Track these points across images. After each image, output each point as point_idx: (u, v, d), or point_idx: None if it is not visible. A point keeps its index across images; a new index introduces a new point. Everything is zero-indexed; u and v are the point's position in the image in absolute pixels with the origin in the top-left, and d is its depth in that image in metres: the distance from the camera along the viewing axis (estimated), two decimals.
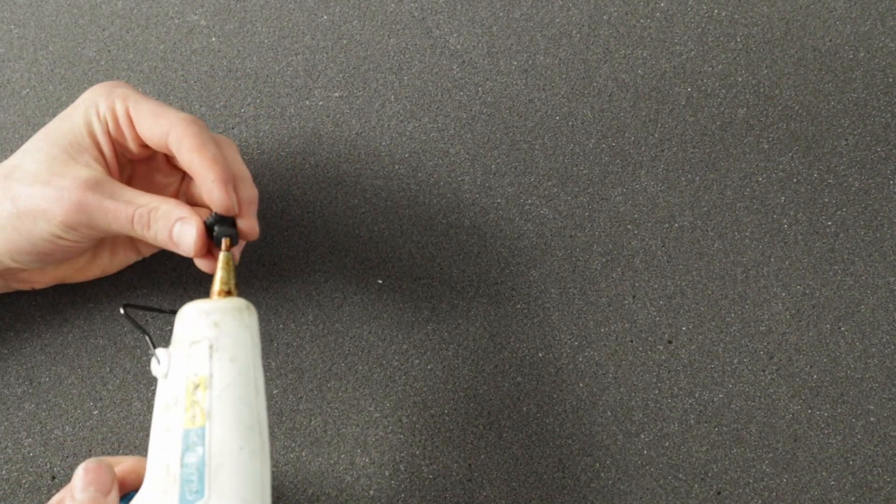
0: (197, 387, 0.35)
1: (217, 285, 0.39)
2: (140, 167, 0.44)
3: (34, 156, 0.39)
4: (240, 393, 0.35)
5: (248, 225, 0.41)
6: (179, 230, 0.39)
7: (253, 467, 0.34)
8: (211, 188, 0.39)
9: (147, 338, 0.38)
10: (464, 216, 0.49)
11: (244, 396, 0.35)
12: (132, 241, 0.45)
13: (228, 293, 0.39)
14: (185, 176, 0.44)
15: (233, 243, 0.40)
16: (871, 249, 0.49)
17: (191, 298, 0.38)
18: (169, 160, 0.44)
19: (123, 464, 0.38)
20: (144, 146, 0.41)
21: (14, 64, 0.51)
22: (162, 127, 0.39)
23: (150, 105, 0.40)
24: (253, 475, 0.34)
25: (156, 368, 0.36)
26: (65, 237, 0.39)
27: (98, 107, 0.40)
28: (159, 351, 0.36)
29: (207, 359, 0.35)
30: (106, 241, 0.44)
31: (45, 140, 0.39)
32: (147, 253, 0.45)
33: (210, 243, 0.40)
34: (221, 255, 0.39)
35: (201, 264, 0.41)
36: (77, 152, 0.39)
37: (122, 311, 0.38)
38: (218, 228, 0.39)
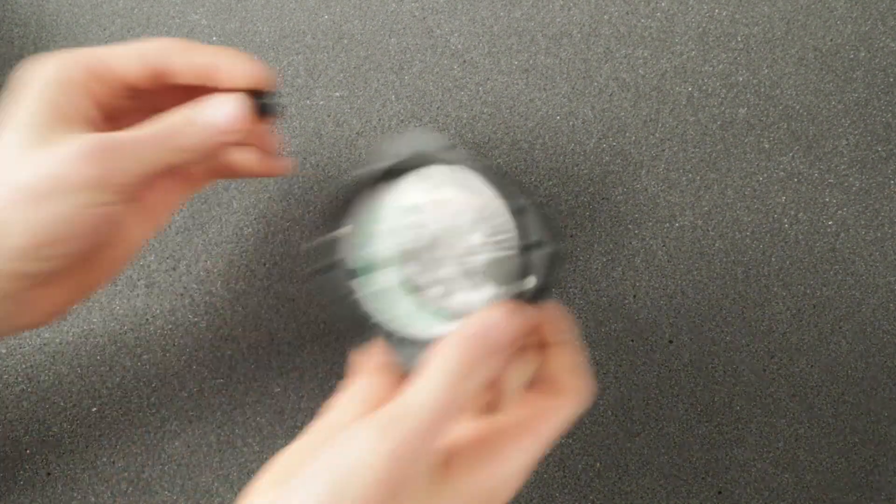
0: None
1: None
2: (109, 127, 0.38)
3: (16, 145, 0.33)
4: None
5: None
6: (212, 110, 0.34)
7: None
8: (236, 63, 0.35)
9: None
10: None
11: None
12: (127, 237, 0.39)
13: None
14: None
15: (272, 112, 0.37)
16: (871, 249, 0.49)
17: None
18: (144, 110, 0.38)
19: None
20: (120, 95, 0.36)
21: (15, 63, 0.51)
22: (140, 54, 0.35)
23: (116, 47, 0.35)
24: None
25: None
26: (99, 201, 0.33)
27: (60, 72, 0.34)
28: None
29: None
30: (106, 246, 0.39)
31: (15, 125, 0.33)
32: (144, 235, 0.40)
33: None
34: None
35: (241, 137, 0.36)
36: (60, 124, 0.33)
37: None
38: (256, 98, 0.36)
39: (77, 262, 0.35)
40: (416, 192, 0.35)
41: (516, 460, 0.32)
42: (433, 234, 0.34)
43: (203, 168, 0.41)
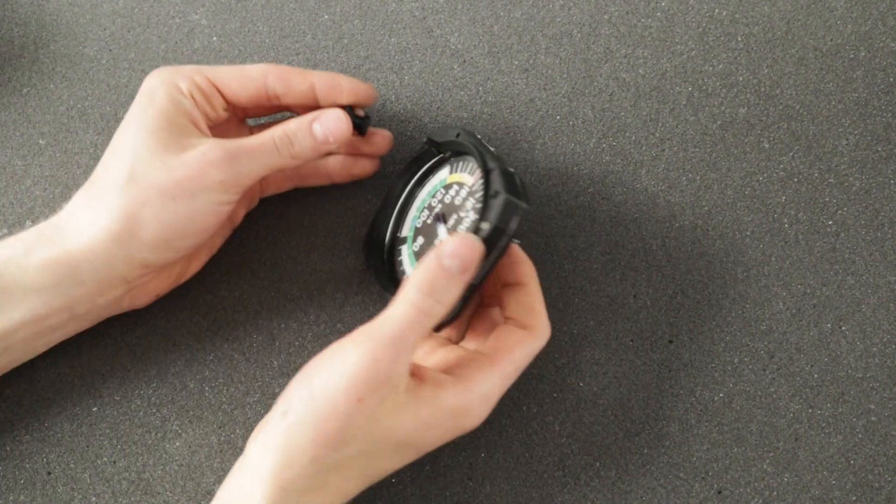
0: None
1: None
2: (215, 132, 0.44)
3: (146, 149, 0.38)
4: None
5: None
6: (320, 124, 0.40)
7: None
8: (347, 84, 0.41)
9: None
10: None
11: None
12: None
13: None
14: (252, 132, 0.46)
15: (364, 129, 0.44)
16: (871, 249, 0.49)
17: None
18: (240, 119, 0.45)
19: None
20: (226, 109, 0.42)
21: (15, 62, 0.51)
22: (253, 79, 0.40)
23: (225, 68, 0.41)
24: None
25: None
26: (223, 200, 0.38)
27: (178, 86, 0.39)
28: None
29: None
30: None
31: (143, 130, 0.38)
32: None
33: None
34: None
35: (345, 144, 0.44)
36: (181, 132, 0.38)
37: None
38: (355, 114, 0.43)
39: (179, 255, 0.41)
40: (440, 177, 0.45)
41: (488, 381, 0.36)
42: (437, 212, 0.43)
43: (283, 174, 0.46)
